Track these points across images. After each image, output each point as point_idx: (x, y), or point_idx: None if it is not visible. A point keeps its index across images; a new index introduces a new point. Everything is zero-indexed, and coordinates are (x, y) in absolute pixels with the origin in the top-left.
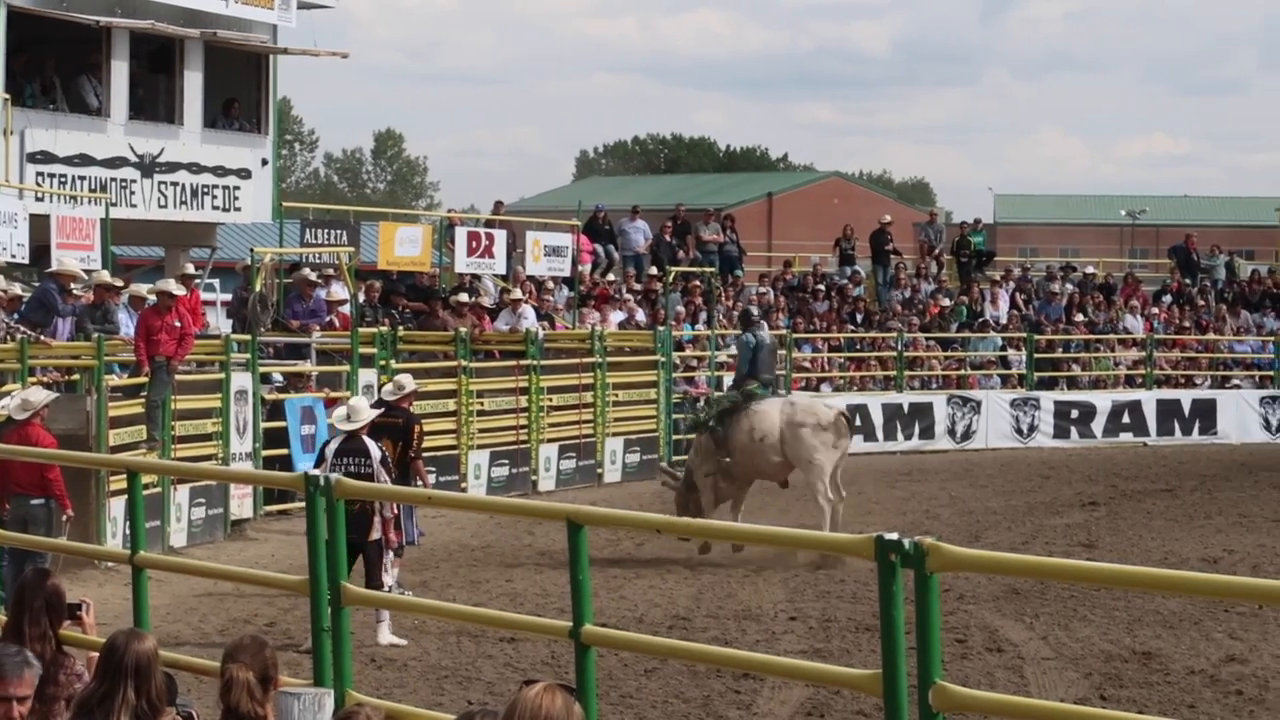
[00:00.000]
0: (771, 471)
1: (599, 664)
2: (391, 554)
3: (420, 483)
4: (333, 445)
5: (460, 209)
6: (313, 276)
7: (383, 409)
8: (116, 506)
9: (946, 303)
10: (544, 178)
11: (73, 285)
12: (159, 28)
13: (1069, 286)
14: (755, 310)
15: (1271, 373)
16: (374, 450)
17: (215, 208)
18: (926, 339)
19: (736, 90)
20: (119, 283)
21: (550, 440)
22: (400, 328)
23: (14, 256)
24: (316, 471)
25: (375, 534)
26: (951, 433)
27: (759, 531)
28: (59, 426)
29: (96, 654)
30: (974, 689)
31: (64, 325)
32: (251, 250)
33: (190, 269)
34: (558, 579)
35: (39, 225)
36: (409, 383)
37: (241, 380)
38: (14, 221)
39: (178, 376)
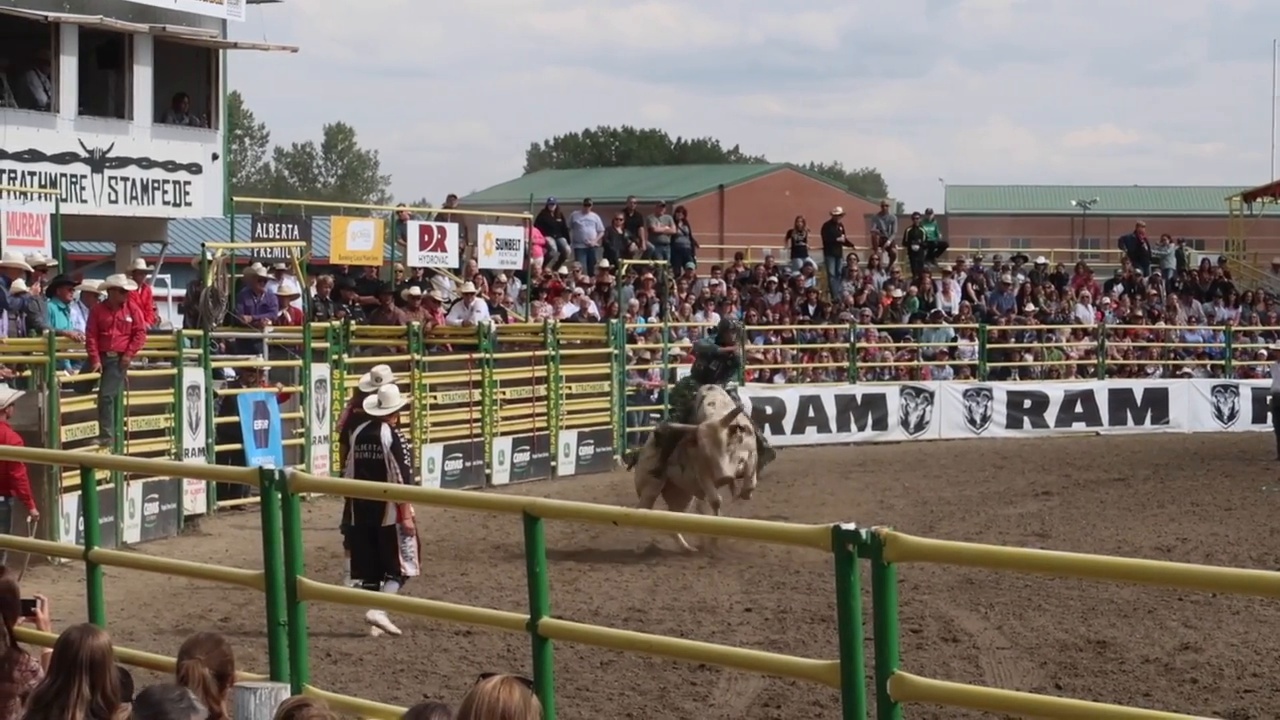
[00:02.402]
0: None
1: (555, 656)
2: (413, 541)
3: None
4: (358, 430)
5: (411, 203)
6: (262, 271)
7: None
8: (70, 503)
9: (899, 294)
10: (495, 171)
11: (17, 280)
12: (108, 23)
13: (1020, 277)
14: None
15: (1222, 362)
16: (385, 437)
17: (166, 203)
18: (879, 330)
19: (686, 83)
20: (53, 261)
21: (504, 433)
22: (352, 322)
23: None
24: (271, 465)
25: (389, 519)
26: (905, 423)
27: (715, 523)
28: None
29: (51, 650)
30: (930, 679)
31: (6, 320)
32: (203, 245)
33: (141, 264)
34: (512, 572)
35: None
36: (386, 374)
37: (194, 375)
38: None
39: (130, 372)
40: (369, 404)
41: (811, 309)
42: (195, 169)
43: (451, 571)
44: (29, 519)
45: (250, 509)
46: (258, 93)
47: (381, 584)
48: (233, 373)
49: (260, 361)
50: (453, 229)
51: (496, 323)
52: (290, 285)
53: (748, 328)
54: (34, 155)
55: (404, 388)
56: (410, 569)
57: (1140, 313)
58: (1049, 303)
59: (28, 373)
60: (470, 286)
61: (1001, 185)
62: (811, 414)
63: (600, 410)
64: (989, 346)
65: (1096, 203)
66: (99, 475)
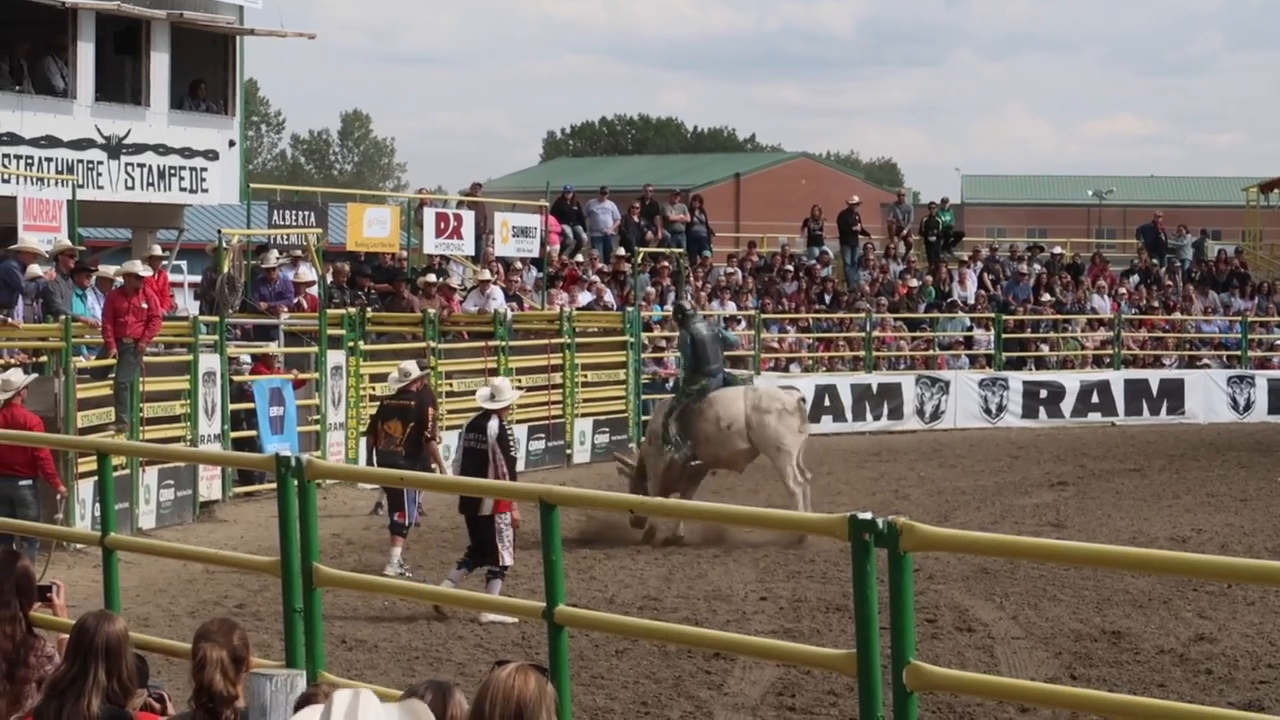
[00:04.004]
0: (734, 459)
1: (570, 644)
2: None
3: (435, 466)
4: (469, 420)
5: (429, 190)
6: (271, 260)
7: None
8: (85, 488)
9: (914, 283)
10: (511, 159)
11: (34, 264)
12: (125, 9)
13: (1036, 267)
14: (687, 303)
15: (1238, 352)
16: (493, 429)
17: (182, 189)
18: (895, 319)
19: (703, 71)
20: (80, 246)
21: (519, 421)
22: (368, 309)
23: None
24: (287, 452)
25: (486, 509)
26: (920, 413)
27: (732, 512)
28: (28, 408)
29: (67, 636)
30: (945, 668)
31: (21, 305)
32: (219, 232)
33: (157, 250)
34: (526, 559)
35: (5, 207)
36: (414, 369)
37: (210, 362)
38: None
39: (145, 358)
40: (481, 395)
41: (827, 298)
42: (212, 155)
43: None
44: (57, 496)
45: (265, 496)
46: (274, 79)
47: (486, 585)
48: (249, 358)
49: (275, 348)
50: (469, 216)
51: (512, 310)
52: (306, 272)
53: (763, 317)
54: (51, 141)
55: None
56: (507, 557)
57: (1156, 303)
58: (1065, 293)
59: (44, 358)
60: (486, 274)
61: (1018, 175)
62: (827, 403)
63: (616, 398)
64: (1005, 336)
65: (1113, 193)
66: (115, 461)
